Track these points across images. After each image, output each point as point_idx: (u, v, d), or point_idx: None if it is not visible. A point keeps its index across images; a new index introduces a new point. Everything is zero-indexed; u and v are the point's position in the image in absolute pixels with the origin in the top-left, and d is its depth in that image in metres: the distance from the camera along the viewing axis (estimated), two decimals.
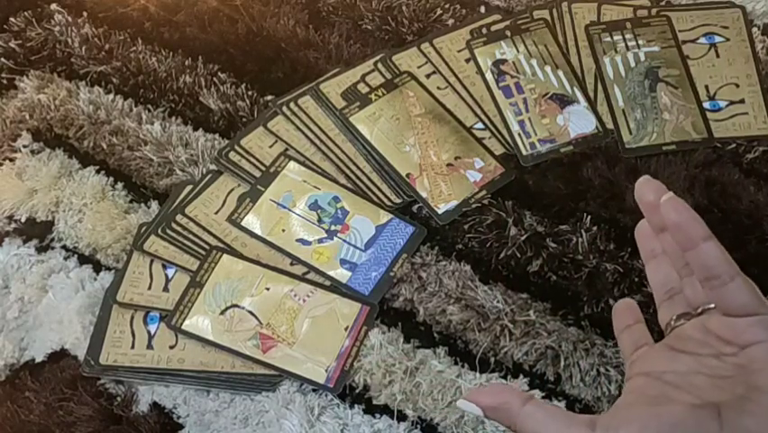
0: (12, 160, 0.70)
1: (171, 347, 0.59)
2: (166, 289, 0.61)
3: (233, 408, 0.57)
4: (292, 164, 0.67)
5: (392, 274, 0.62)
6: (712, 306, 0.38)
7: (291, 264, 0.62)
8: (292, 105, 0.70)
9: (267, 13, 0.77)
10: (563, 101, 0.69)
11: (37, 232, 0.66)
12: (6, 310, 0.62)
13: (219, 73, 0.74)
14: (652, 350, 0.40)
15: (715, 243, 0.35)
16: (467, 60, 0.72)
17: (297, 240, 0.63)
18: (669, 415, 0.33)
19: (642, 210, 0.39)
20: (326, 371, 0.57)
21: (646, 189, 0.38)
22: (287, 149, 0.68)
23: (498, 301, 0.59)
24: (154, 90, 0.73)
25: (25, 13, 0.78)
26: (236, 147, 0.68)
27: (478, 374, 0.57)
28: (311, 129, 0.69)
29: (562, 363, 0.57)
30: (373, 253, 0.63)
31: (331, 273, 0.62)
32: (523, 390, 0.56)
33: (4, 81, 0.75)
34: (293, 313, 0.60)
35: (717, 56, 0.71)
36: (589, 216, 0.63)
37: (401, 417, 0.56)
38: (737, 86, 0.70)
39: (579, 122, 0.68)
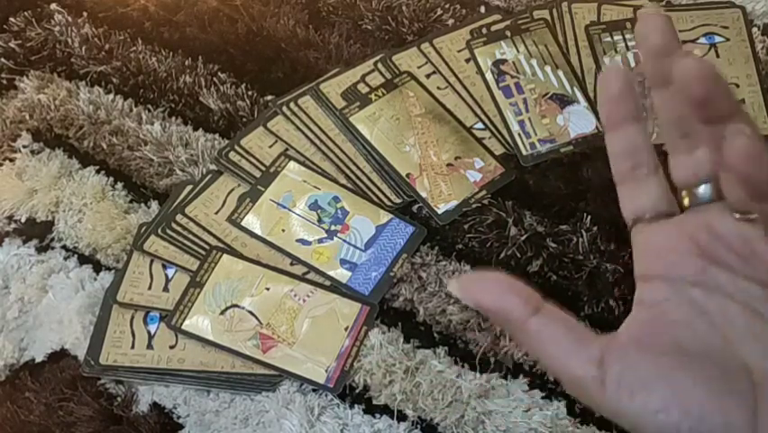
0: (12, 160, 0.70)
1: (171, 347, 0.59)
2: (166, 289, 0.61)
3: (233, 408, 0.57)
4: (292, 164, 0.67)
5: (392, 274, 0.62)
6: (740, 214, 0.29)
7: (291, 264, 0.62)
8: (292, 105, 0.70)
9: (267, 13, 0.77)
10: (563, 101, 0.69)
11: (37, 232, 0.66)
12: (6, 310, 0.62)
13: (219, 73, 0.74)
14: (672, 238, 0.30)
15: (752, 128, 0.26)
16: (467, 60, 0.72)
17: (297, 240, 0.63)
18: (698, 406, 0.27)
19: (641, 56, 0.30)
20: (326, 371, 0.57)
21: (651, 27, 0.29)
22: (287, 149, 0.68)
23: None
24: (154, 90, 0.73)
25: (25, 13, 0.78)
26: (236, 147, 0.68)
27: (478, 374, 0.57)
28: (311, 129, 0.69)
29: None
30: (373, 253, 0.63)
31: (331, 273, 0.62)
32: (522, 390, 0.56)
33: (4, 81, 0.75)
34: (293, 313, 0.60)
35: (717, 56, 0.71)
36: (589, 216, 0.63)
37: (401, 417, 0.56)
38: (737, 86, 0.70)
39: (579, 122, 0.68)
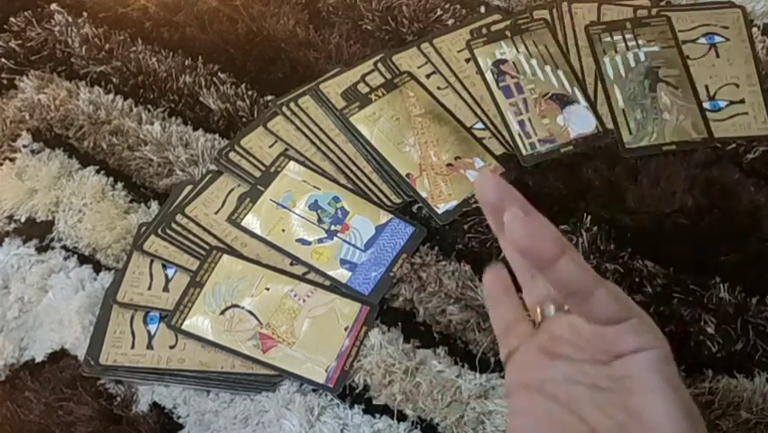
0: (12, 160, 0.70)
1: (171, 347, 0.59)
2: (166, 289, 0.61)
3: (233, 408, 0.57)
4: (292, 164, 0.67)
5: (392, 274, 0.62)
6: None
7: (291, 264, 0.62)
8: (292, 105, 0.70)
9: (267, 13, 0.77)
10: (563, 101, 0.69)
11: (37, 232, 0.66)
12: (6, 310, 0.62)
13: (219, 73, 0.74)
14: (528, 355, 0.37)
15: (570, 257, 0.32)
16: (467, 60, 0.72)
17: (297, 240, 0.63)
18: None
19: (483, 211, 0.36)
20: (326, 371, 0.57)
21: (486, 188, 0.34)
22: (287, 149, 0.68)
23: None
24: (154, 90, 0.73)
25: (25, 13, 0.78)
26: (236, 147, 0.68)
27: (478, 374, 0.57)
28: (311, 129, 0.69)
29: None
30: (373, 253, 0.63)
31: (331, 273, 0.62)
32: None
33: (4, 81, 0.75)
34: (293, 313, 0.60)
35: (717, 56, 0.71)
36: (589, 216, 0.63)
37: (401, 417, 0.56)
38: (737, 86, 0.70)
39: (579, 122, 0.68)
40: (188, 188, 0.66)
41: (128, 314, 0.60)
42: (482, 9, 0.77)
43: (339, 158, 0.67)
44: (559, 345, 0.35)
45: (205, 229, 0.64)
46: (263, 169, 0.66)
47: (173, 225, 0.64)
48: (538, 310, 0.37)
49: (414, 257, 0.62)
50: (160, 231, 0.63)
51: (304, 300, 0.60)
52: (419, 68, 0.72)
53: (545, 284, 0.37)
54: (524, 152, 0.67)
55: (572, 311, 0.35)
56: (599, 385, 0.33)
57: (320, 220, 0.64)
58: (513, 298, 0.40)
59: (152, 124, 0.70)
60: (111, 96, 0.72)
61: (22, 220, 0.67)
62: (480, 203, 0.35)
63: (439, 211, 0.64)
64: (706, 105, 0.69)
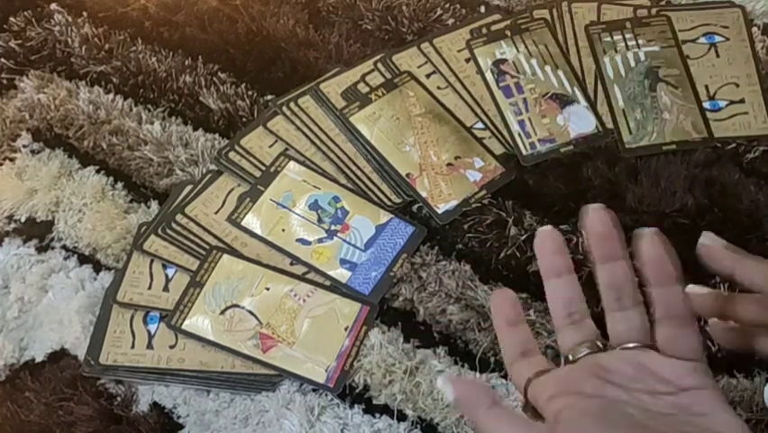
0: (12, 160, 0.70)
1: (171, 347, 0.59)
2: (166, 289, 0.61)
3: (233, 408, 0.57)
4: (292, 164, 0.67)
5: (392, 274, 0.62)
6: (634, 344, 0.38)
7: (291, 264, 0.62)
8: (292, 105, 0.70)
9: (267, 13, 0.77)
10: (563, 101, 0.69)
11: (37, 232, 0.66)
12: (6, 310, 0.62)
13: (219, 73, 0.74)
14: (573, 373, 0.38)
15: (683, 285, 0.36)
16: (467, 60, 0.72)
17: (297, 240, 0.63)
18: None
19: (590, 240, 0.39)
20: (326, 371, 0.57)
21: (597, 220, 0.38)
22: (287, 149, 0.68)
23: None
24: (154, 90, 0.73)
25: (25, 13, 0.78)
26: (236, 147, 0.68)
27: (478, 374, 0.57)
28: (311, 129, 0.69)
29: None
30: (373, 252, 0.63)
31: (331, 273, 0.62)
32: None
33: (4, 81, 0.75)
34: (293, 313, 0.60)
35: (717, 56, 0.71)
36: None
37: (401, 417, 0.56)
38: (737, 85, 0.70)
39: (579, 122, 0.68)
40: (188, 187, 0.66)
41: (128, 314, 0.60)
42: (482, 9, 0.77)
43: (339, 158, 0.67)
44: (612, 375, 0.37)
45: (205, 229, 0.64)
46: (263, 168, 0.66)
47: (173, 225, 0.64)
48: (580, 349, 0.39)
49: (414, 257, 0.62)
50: (160, 231, 0.63)
51: (304, 300, 0.60)
52: (419, 67, 0.72)
53: (585, 331, 0.40)
54: (524, 151, 0.67)
55: (659, 336, 0.37)
56: (660, 411, 0.35)
57: (320, 220, 0.64)
58: (525, 326, 0.41)
59: (152, 123, 0.70)
60: (111, 95, 0.72)
61: (22, 220, 0.67)
62: (589, 232, 0.38)
63: (439, 211, 0.64)
64: (706, 104, 0.69)
